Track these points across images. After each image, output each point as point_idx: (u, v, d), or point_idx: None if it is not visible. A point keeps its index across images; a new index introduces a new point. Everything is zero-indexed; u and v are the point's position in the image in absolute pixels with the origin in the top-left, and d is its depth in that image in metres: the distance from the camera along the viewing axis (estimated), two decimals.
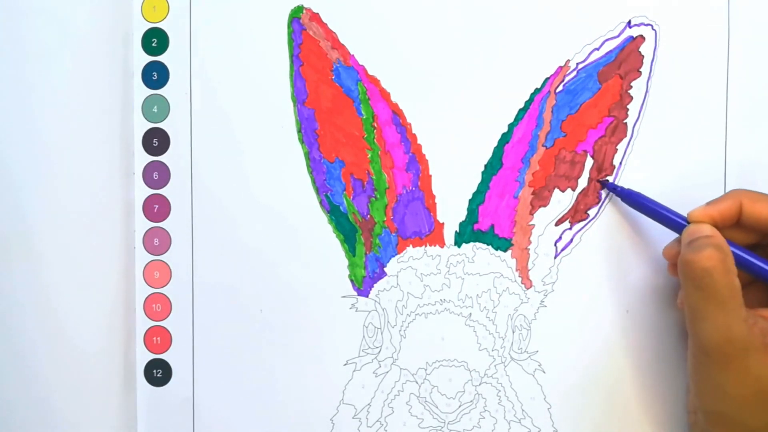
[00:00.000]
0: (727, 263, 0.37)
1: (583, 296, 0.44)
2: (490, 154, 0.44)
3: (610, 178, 0.44)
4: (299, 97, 0.45)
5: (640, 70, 0.44)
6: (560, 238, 0.44)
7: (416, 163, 0.45)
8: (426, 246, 0.45)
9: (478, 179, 0.45)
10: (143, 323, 0.47)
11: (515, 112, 0.44)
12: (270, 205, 0.46)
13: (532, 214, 0.44)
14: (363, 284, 0.46)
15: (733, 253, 0.38)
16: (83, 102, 0.45)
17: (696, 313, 0.37)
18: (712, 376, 0.37)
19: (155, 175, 0.46)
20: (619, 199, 0.43)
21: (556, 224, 0.44)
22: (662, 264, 0.44)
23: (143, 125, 0.46)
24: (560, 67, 0.44)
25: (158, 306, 0.46)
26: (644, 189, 0.43)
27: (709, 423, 0.39)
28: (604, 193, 0.44)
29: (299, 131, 0.45)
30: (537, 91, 0.44)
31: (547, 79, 0.44)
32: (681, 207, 0.43)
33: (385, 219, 0.45)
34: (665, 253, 0.42)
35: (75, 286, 0.45)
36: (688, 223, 0.40)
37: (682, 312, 0.43)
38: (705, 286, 0.37)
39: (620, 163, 0.44)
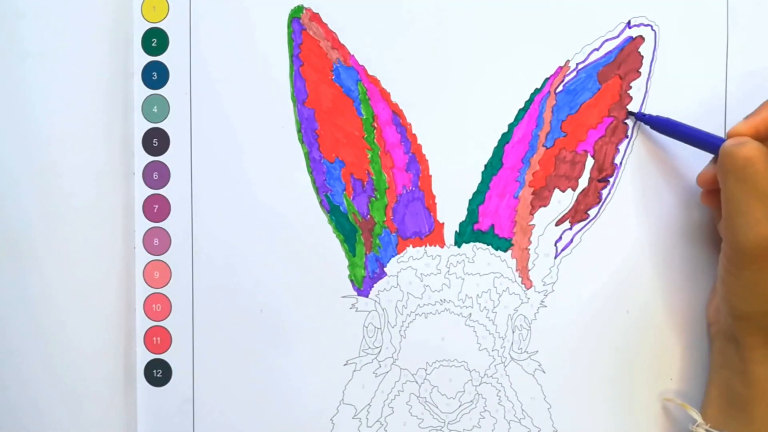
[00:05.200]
0: None
1: (583, 296, 0.45)
2: (490, 154, 0.44)
3: (611, 179, 0.44)
4: (299, 97, 0.45)
5: (640, 70, 0.44)
6: (560, 238, 0.44)
7: (416, 163, 0.45)
8: (426, 246, 0.45)
9: (478, 179, 0.45)
10: (143, 323, 0.47)
11: (515, 112, 0.44)
12: (270, 205, 0.46)
13: (533, 214, 0.45)
14: (363, 284, 0.46)
15: None
16: (83, 102, 0.45)
17: (735, 208, 0.37)
18: (745, 276, 0.38)
19: (155, 175, 0.46)
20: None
21: (557, 224, 0.44)
22: (662, 265, 0.44)
23: (143, 125, 0.46)
24: (560, 68, 0.44)
25: (158, 306, 0.46)
26: (645, 187, 0.44)
27: (738, 327, 0.39)
28: (605, 192, 0.44)
29: (299, 131, 0.45)
30: (537, 91, 0.44)
31: (547, 79, 0.44)
32: (681, 205, 0.43)
33: (385, 219, 0.45)
34: (700, 178, 0.41)
35: (75, 286, 0.45)
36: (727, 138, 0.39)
37: (682, 308, 0.44)
38: (747, 177, 0.36)
39: (621, 163, 0.44)
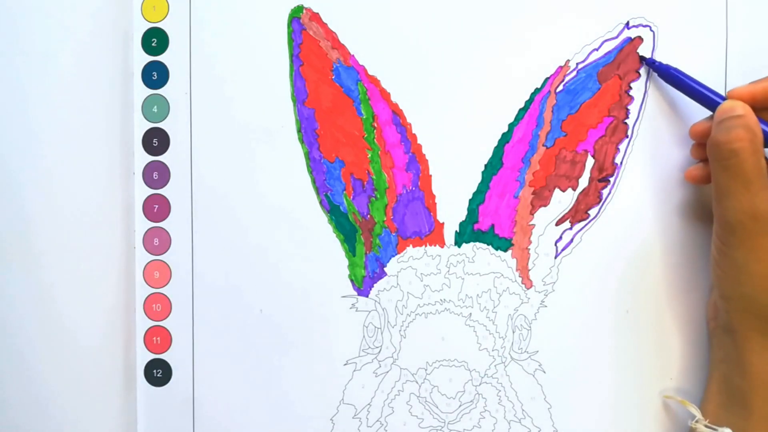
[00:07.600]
0: (756, 144, 0.38)
1: (583, 296, 0.45)
2: (490, 154, 0.45)
3: (612, 179, 0.44)
4: (299, 97, 0.45)
5: (639, 71, 0.44)
6: (561, 238, 0.45)
7: (416, 163, 0.45)
8: (426, 246, 0.45)
9: (478, 179, 0.45)
10: (143, 323, 0.47)
11: (515, 112, 0.44)
12: (270, 205, 0.46)
13: (533, 214, 0.45)
14: (363, 284, 0.46)
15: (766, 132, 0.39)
16: (83, 102, 0.45)
17: (722, 191, 0.38)
18: (735, 257, 0.38)
19: (155, 175, 0.46)
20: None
21: (557, 224, 0.45)
22: (662, 265, 0.44)
23: (143, 125, 0.46)
24: (560, 67, 0.44)
25: (158, 306, 0.46)
26: (645, 185, 0.44)
27: (732, 313, 0.40)
28: (605, 192, 0.44)
29: (299, 131, 0.45)
30: (537, 90, 0.44)
31: (547, 78, 0.44)
32: (680, 204, 0.43)
33: (385, 219, 0.45)
34: (693, 130, 0.42)
35: (75, 286, 0.45)
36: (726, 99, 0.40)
37: (682, 308, 0.44)
38: (731, 167, 0.38)
39: (621, 163, 0.44)
